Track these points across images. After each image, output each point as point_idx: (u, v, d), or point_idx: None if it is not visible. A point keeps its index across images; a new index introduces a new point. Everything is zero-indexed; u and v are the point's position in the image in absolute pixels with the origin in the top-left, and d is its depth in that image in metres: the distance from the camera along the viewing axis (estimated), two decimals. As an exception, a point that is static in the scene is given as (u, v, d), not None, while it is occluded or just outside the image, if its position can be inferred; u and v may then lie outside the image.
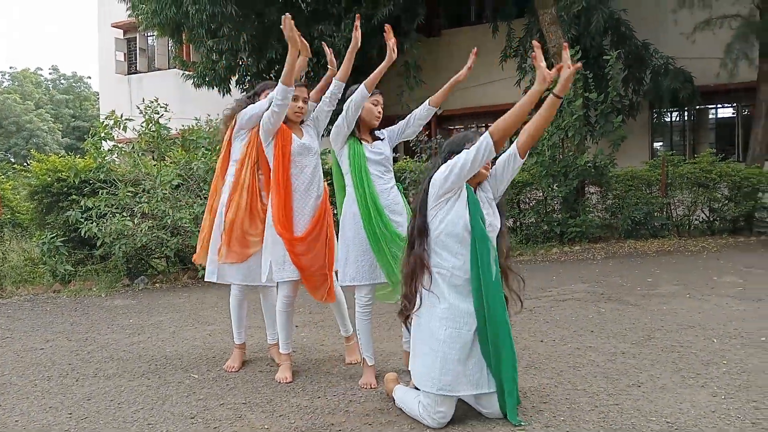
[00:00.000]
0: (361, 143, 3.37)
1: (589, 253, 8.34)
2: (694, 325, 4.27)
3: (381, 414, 2.92)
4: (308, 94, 3.67)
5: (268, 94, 3.69)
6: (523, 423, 2.67)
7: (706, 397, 2.89)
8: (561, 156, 9.16)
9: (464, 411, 2.81)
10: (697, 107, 13.18)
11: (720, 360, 3.45)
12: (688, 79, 11.70)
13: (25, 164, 27.81)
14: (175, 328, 5.00)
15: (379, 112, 3.43)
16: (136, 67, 18.13)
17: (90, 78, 51.56)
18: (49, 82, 43.67)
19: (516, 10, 13.14)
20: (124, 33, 18.18)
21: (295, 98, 3.51)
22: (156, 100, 7.56)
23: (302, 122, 3.68)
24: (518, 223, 9.56)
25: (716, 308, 4.76)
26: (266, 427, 2.83)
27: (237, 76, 13.51)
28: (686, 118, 13.86)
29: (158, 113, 7.52)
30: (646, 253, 8.16)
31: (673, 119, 14.09)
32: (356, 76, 12.50)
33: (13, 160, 30.44)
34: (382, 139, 3.50)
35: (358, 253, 3.28)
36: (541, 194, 9.47)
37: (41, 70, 45.90)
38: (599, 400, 2.92)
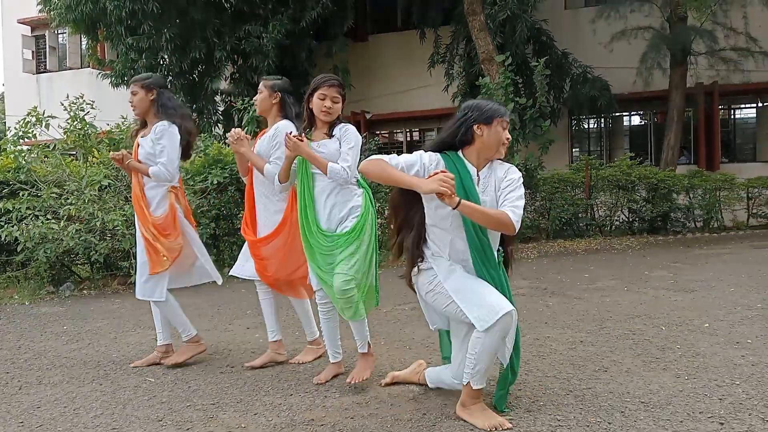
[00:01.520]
0: (310, 140, 3.25)
1: (523, 252, 8.58)
2: (640, 314, 4.47)
3: (359, 407, 2.87)
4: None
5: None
6: (506, 410, 2.69)
7: (670, 379, 3.03)
8: (493, 158, 9.38)
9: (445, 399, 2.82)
10: (613, 114, 13.91)
11: (673, 345, 3.63)
12: (605, 87, 12.33)
13: None
14: (116, 334, 4.72)
15: (326, 107, 3.15)
16: (45, 65, 17.11)
17: (-11, 78, 48.11)
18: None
19: (442, 17, 13.41)
20: (32, 30, 17.13)
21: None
22: (81, 97, 7.15)
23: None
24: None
25: (655, 299, 5.01)
26: (243, 425, 2.71)
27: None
28: (603, 124, 14.60)
29: (83, 110, 7.11)
30: (576, 251, 8.50)
31: (590, 126, 14.81)
32: (285, 77, 12.37)
33: None
34: (331, 137, 3.22)
35: None
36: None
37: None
38: (572, 386, 3.00)
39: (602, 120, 14.45)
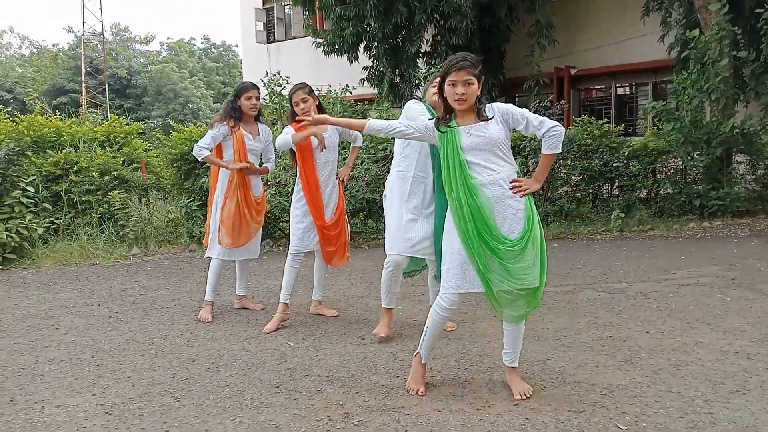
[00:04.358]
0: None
1: (730, 229, 7.58)
2: (833, 323, 3.77)
3: (454, 400, 2.89)
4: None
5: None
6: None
7: (820, 414, 2.56)
8: (703, 122, 8.33)
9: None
10: None
11: None
12: None
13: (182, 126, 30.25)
14: (285, 295, 5.25)
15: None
16: (274, 36, 18.88)
17: (237, 46, 54.41)
18: (201, 51, 46.85)
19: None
20: (264, 2, 18.94)
21: (301, 101, 4.14)
22: (278, 73, 7.84)
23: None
24: (653, 194, 8.88)
25: None
26: (341, 403, 2.91)
27: (364, 42, 13.63)
28: None
29: (280, 86, 7.81)
30: (800, 232, 7.28)
31: None
32: (485, 35, 12.09)
33: (172, 124, 33.04)
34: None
35: None
36: (680, 163, 8.70)
37: (194, 39, 49.13)
38: (692, 407, 2.69)
39: None
